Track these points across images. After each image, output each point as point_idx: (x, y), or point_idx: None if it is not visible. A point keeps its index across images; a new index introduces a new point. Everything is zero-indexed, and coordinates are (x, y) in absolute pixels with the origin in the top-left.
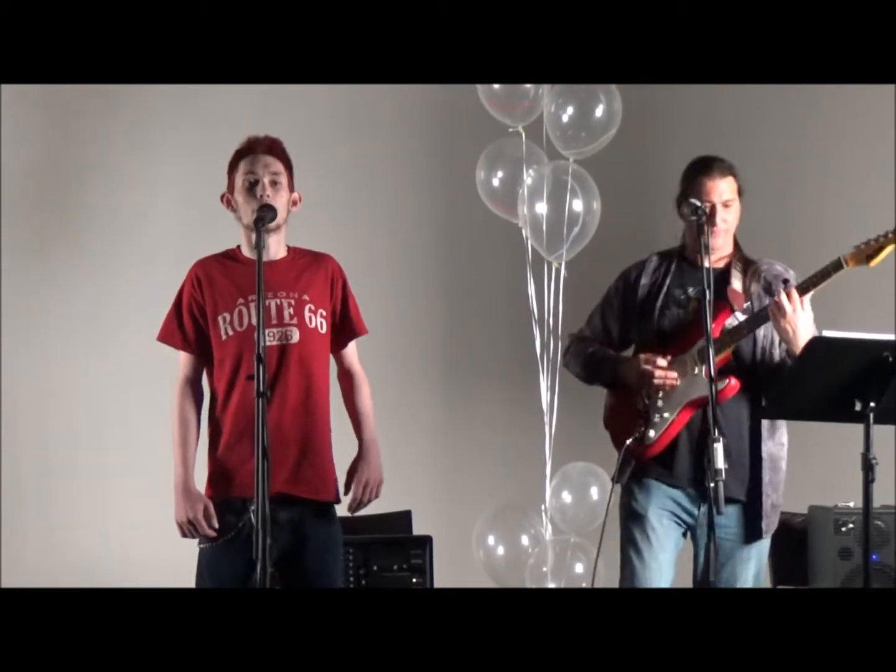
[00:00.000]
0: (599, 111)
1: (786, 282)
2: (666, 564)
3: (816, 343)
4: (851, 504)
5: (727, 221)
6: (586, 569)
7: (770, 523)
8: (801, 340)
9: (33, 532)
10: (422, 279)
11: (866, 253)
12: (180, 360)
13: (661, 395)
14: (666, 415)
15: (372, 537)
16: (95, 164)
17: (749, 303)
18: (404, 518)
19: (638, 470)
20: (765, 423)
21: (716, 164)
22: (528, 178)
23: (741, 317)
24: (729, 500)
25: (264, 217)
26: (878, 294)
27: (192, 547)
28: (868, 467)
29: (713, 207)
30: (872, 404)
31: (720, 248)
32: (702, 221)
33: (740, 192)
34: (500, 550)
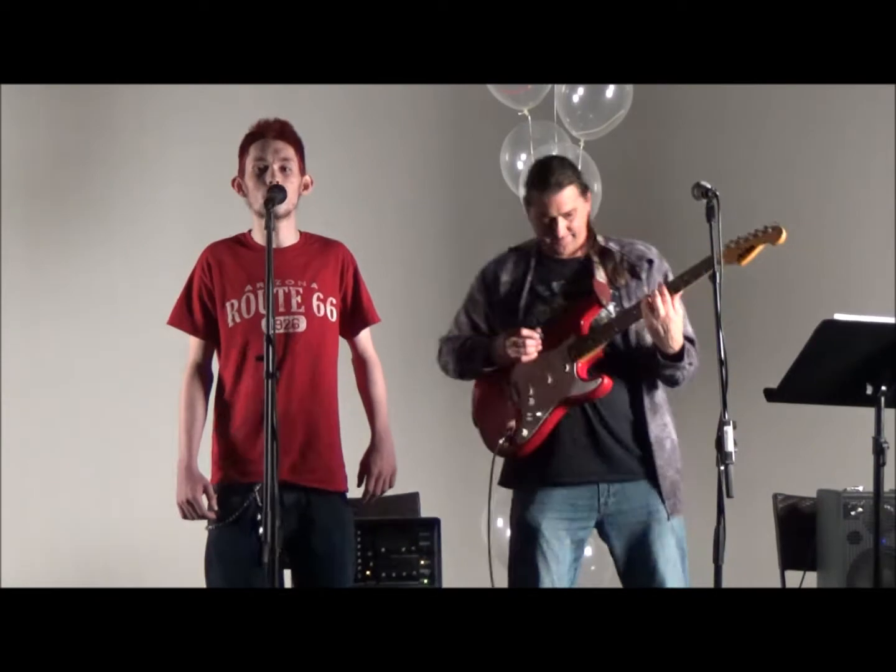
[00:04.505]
0: (610, 91)
1: (650, 262)
2: (560, 583)
3: (828, 326)
4: (861, 488)
5: (572, 228)
6: (594, 552)
7: (674, 503)
8: (672, 340)
9: (34, 531)
10: (432, 265)
11: (737, 252)
12: (190, 345)
13: (532, 392)
14: (539, 413)
15: (380, 519)
16: (101, 151)
17: (617, 291)
18: (412, 500)
19: (524, 475)
20: (646, 406)
21: (551, 176)
22: (526, 160)
23: (611, 309)
24: (630, 479)
25: (274, 198)
26: (878, 282)
27: (199, 540)
28: (879, 451)
29: (553, 220)
30: (884, 388)
31: (569, 245)
32: (712, 204)
33: (585, 191)
34: (509, 533)
